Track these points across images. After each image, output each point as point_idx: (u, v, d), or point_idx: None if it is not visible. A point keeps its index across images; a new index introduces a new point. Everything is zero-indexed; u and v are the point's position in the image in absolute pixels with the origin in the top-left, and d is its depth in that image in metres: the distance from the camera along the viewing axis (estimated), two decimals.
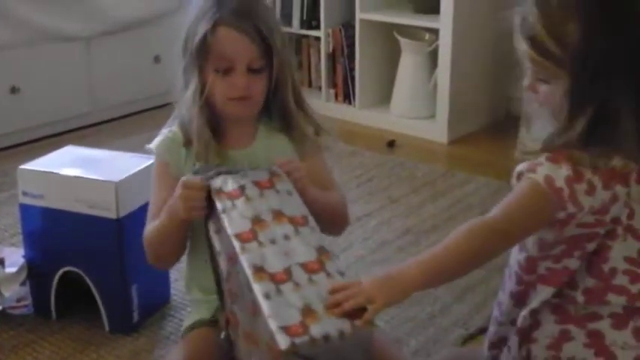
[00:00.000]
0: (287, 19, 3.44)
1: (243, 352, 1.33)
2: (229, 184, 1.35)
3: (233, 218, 1.31)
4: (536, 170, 1.16)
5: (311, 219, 1.34)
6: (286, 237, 1.28)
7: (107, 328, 1.83)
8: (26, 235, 1.87)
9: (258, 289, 1.19)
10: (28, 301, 1.91)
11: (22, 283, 1.90)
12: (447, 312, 1.90)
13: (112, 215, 1.74)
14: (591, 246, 1.19)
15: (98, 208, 1.75)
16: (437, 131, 3.11)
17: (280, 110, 1.50)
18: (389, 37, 3.25)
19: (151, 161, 1.76)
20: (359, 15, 3.22)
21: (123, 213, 1.75)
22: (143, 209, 1.71)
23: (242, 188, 1.35)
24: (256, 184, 1.36)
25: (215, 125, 1.47)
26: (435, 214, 2.43)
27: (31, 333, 1.85)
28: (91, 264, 1.81)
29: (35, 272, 1.88)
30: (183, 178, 1.37)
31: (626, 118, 1.14)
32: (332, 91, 3.43)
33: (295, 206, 1.35)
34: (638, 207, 1.18)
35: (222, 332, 1.42)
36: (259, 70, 1.43)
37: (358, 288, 1.17)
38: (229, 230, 1.29)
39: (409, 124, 3.20)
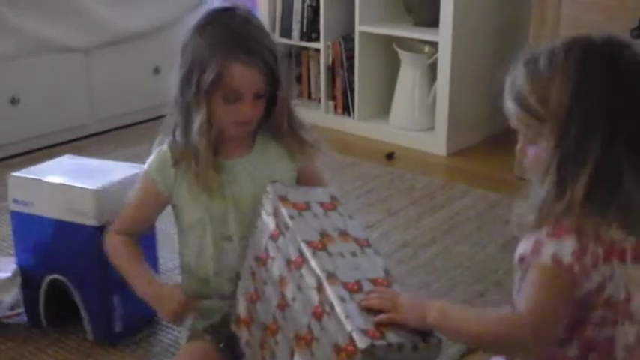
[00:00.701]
0: (287, 31, 3.45)
1: (253, 348, 1.41)
2: (294, 195, 1.42)
3: (301, 226, 1.35)
4: (540, 252, 1.13)
5: (373, 243, 1.40)
6: (354, 254, 1.33)
7: (90, 337, 1.83)
8: (17, 243, 1.89)
9: (332, 291, 1.23)
10: (22, 310, 1.92)
11: (16, 291, 1.90)
12: None
13: (93, 223, 1.73)
14: (590, 333, 1.16)
15: (80, 216, 1.74)
16: (436, 144, 3.11)
17: (275, 125, 1.57)
18: (388, 50, 3.26)
19: (136, 171, 1.79)
20: (359, 27, 3.23)
21: (104, 221, 1.73)
22: None
23: (307, 204, 1.41)
24: (320, 204, 1.42)
25: (214, 141, 1.53)
26: (433, 227, 2.44)
27: (29, 344, 1.85)
28: (73, 272, 1.81)
29: (25, 279, 1.88)
30: (181, 299, 1.53)
31: (627, 181, 1.12)
32: (331, 103, 3.44)
33: (358, 229, 1.41)
34: (636, 290, 1.15)
35: (221, 342, 1.51)
36: (263, 95, 1.51)
37: (392, 294, 1.26)
38: (298, 236, 1.33)
39: (408, 137, 3.20)
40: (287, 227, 1.36)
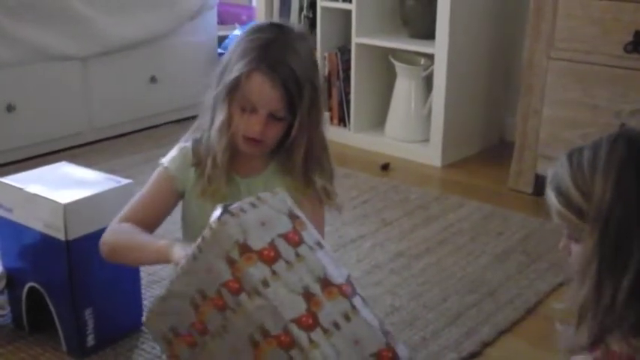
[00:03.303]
0: None
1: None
2: (253, 235, 1.24)
3: (280, 294, 1.22)
4: None
5: (352, 282, 1.31)
6: (346, 317, 1.25)
7: (64, 349, 1.82)
8: (2, 247, 1.90)
9: None
10: (6, 311, 1.92)
11: (1, 292, 1.91)
12: (439, 336, 1.90)
13: (61, 236, 1.72)
14: None
15: (51, 228, 1.74)
16: (431, 155, 3.12)
17: (288, 158, 1.57)
18: (384, 62, 3.27)
19: (114, 185, 1.80)
20: (355, 39, 3.25)
21: (73, 235, 1.71)
22: (99, 234, 1.69)
23: (273, 246, 1.26)
24: (285, 238, 1.28)
25: (230, 153, 1.54)
26: (427, 238, 2.44)
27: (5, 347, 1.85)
28: (47, 283, 1.81)
29: (10, 282, 1.89)
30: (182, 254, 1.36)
31: None
32: (327, 114, 3.45)
33: (334, 267, 1.31)
34: None
35: None
36: (280, 118, 1.50)
37: None
38: (285, 315, 1.21)
39: (403, 148, 3.21)
40: (260, 294, 1.21)
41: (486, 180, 2.95)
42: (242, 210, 1.26)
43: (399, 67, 3.20)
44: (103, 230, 1.73)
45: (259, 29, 1.53)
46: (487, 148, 3.30)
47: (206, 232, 1.25)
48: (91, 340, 1.81)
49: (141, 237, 1.51)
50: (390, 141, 3.27)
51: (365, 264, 2.26)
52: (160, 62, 3.51)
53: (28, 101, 3.05)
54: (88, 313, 1.79)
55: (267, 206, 1.30)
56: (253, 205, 1.28)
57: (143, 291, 1.97)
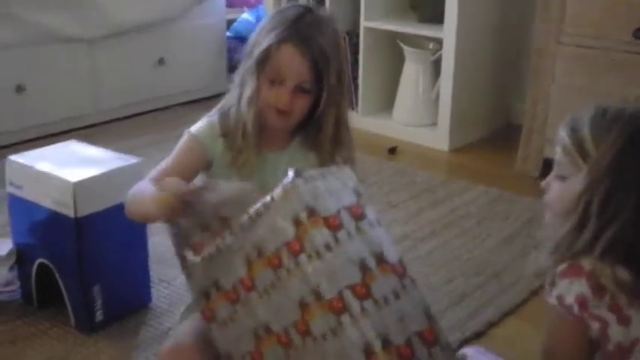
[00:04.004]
0: None
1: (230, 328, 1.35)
2: (322, 201, 1.27)
3: (340, 261, 1.24)
4: (551, 292, 1.18)
5: (405, 263, 1.33)
6: (396, 295, 1.27)
7: (73, 324, 1.84)
8: (12, 223, 1.92)
9: None
10: (16, 286, 1.95)
11: (11, 268, 1.94)
12: (444, 316, 1.91)
13: (71, 214, 1.73)
14: None
15: (60, 205, 1.76)
16: (438, 139, 3.13)
17: (315, 135, 1.58)
18: (393, 46, 3.27)
19: (123, 164, 1.82)
20: (363, 23, 3.25)
21: (82, 213, 1.73)
22: (108, 212, 1.75)
23: (338, 216, 1.27)
24: (349, 211, 1.30)
25: (259, 125, 1.55)
26: (433, 221, 2.45)
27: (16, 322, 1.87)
28: (56, 259, 1.83)
29: (20, 258, 1.92)
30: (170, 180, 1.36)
31: None
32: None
33: (389, 246, 1.33)
34: None
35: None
36: (307, 91, 1.52)
37: None
38: (342, 280, 1.23)
39: (411, 132, 3.22)
40: (321, 257, 1.24)
41: (493, 164, 2.95)
42: (313, 177, 1.30)
43: (407, 51, 3.20)
44: (112, 208, 1.75)
45: (288, 8, 1.56)
46: (494, 132, 3.30)
47: (276, 192, 1.27)
48: (99, 316, 1.83)
49: (146, 187, 1.46)
50: (398, 125, 3.27)
51: None
52: (168, 45, 3.52)
53: (37, 82, 3.06)
54: (97, 290, 1.81)
55: (335, 178, 1.33)
56: (323, 176, 1.32)
57: (151, 268, 1.99)
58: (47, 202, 1.78)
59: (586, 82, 2.59)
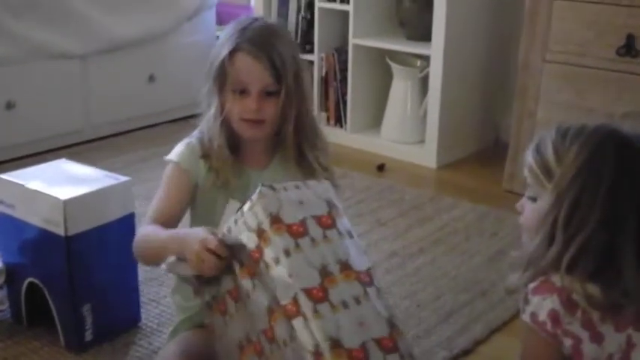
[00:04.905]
0: None
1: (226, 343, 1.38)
2: (287, 210, 1.29)
3: (298, 265, 1.25)
4: (524, 309, 1.21)
5: (373, 273, 1.34)
6: (357, 300, 1.28)
7: (62, 344, 1.84)
8: (2, 242, 1.92)
9: None
10: (5, 306, 1.95)
11: (0, 287, 1.94)
12: (431, 333, 1.93)
13: (61, 232, 1.74)
14: None
15: (50, 224, 1.76)
16: (426, 156, 3.15)
17: (285, 141, 1.58)
18: (381, 63, 3.30)
19: (113, 182, 1.82)
20: (352, 40, 3.28)
21: (73, 231, 1.74)
22: (99, 230, 1.75)
23: (304, 223, 1.30)
24: (317, 220, 1.32)
25: (234, 144, 1.56)
26: (421, 238, 2.47)
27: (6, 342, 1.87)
28: (46, 278, 1.83)
29: (9, 277, 1.92)
30: (204, 235, 1.31)
31: (621, 258, 1.17)
32: (324, 114, 3.47)
33: (358, 255, 1.34)
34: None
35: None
36: (273, 93, 1.52)
37: None
38: (297, 283, 1.24)
39: (399, 149, 3.24)
40: (279, 262, 1.25)
41: (481, 181, 2.98)
42: (284, 188, 1.32)
43: (395, 68, 3.23)
44: (101, 227, 1.77)
45: (240, 20, 1.57)
46: (482, 149, 3.32)
47: (245, 205, 1.31)
48: (88, 335, 1.83)
49: (160, 236, 1.47)
50: (386, 142, 3.29)
51: None
52: (159, 61, 3.53)
53: (27, 98, 3.07)
54: (87, 309, 1.82)
55: (309, 190, 1.35)
56: (297, 187, 1.35)
57: (141, 288, 2.00)
58: (37, 221, 1.79)
59: (572, 99, 2.62)
